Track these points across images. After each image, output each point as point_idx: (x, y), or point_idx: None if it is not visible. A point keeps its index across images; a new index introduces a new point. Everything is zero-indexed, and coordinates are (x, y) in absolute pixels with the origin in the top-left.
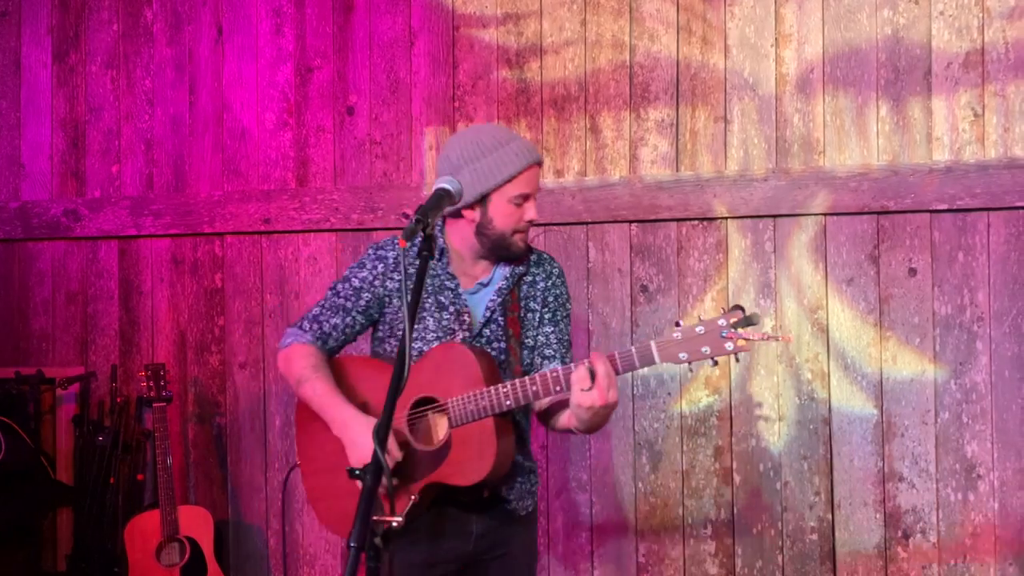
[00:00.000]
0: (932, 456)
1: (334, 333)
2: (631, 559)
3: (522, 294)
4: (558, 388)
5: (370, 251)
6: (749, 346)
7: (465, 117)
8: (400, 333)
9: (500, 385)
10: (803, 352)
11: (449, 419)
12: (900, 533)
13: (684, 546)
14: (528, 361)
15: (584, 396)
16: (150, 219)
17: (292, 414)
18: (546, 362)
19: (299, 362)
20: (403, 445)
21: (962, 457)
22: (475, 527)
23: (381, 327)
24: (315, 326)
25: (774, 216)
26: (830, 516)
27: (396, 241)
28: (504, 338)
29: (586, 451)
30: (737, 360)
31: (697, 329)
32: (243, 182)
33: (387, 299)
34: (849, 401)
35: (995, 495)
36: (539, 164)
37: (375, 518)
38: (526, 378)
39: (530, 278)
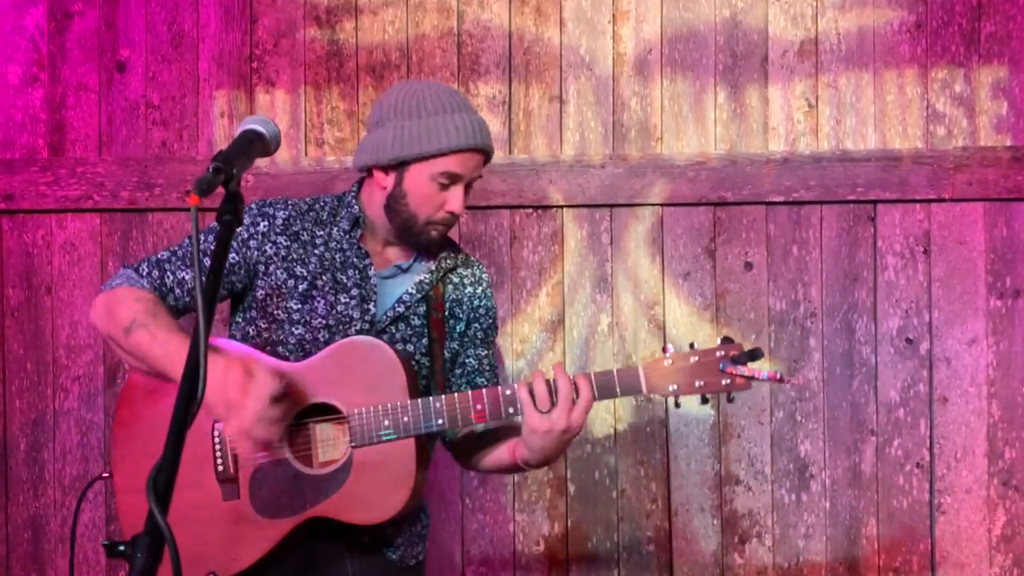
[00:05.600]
0: (767, 457)
1: (177, 290)
2: None
3: (447, 295)
4: (511, 410)
5: (253, 206)
6: (748, 385)
7: (265, 80)
8: (278, 315)
9: (432, 399)
10: (640, 350)
11: (351, 435)
12: (737, 538)
13: (515, 565)
14: (447, 377)
15: (541, 419)
16: None
17: (91, 414)
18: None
19: (130, 305)
20: (280, 464)
21: (795, 457)
22: None
23: (245, 305)
24: (156, 273)
25: (611, 206)
26: (667, 524)
27: (288, 202)
28: (421, 343)
29: None
30: (731, 400)
31: (692, 359)
32: None
33: (260, 267)
34: (686, 402)
35: (826, 494)
36: (483, 153)
37: None
38: (468, 393)
39: (457, 278)
